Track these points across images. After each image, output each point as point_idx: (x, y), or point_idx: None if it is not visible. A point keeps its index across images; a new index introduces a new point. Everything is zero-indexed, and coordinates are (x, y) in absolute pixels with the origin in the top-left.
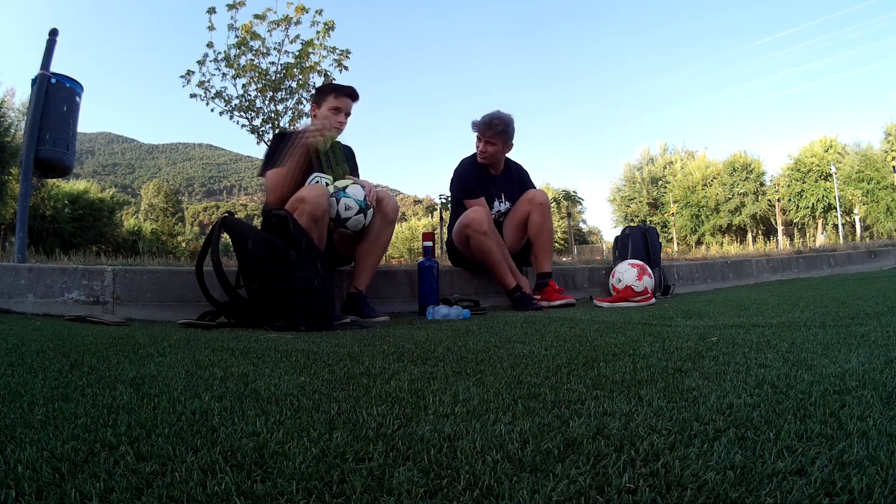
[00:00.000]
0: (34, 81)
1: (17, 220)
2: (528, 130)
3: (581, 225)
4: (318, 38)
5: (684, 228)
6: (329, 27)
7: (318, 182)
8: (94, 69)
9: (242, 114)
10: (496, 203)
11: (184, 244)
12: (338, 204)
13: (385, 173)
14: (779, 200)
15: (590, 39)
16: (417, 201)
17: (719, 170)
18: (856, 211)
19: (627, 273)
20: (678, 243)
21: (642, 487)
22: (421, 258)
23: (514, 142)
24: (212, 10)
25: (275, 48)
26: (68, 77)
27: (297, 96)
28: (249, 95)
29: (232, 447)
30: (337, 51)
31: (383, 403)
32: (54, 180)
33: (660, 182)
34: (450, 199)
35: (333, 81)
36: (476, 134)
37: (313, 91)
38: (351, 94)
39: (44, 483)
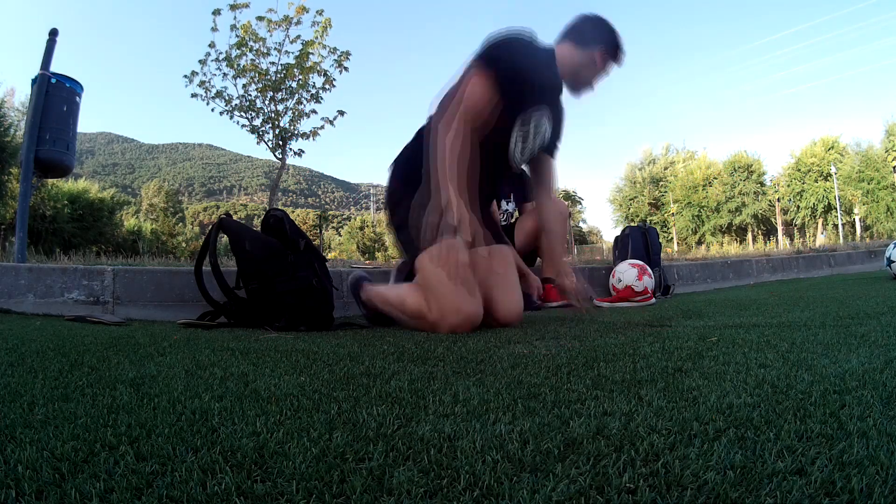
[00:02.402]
0: (34, 81)
1: (17, 220)
2: None
3: (581, 225)
4: (317, 38)
5: (685, 229)
6: (326, 25)
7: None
8: (95, 69)
9: (242, 114)
10: (503, 203)
11: (184, 244)
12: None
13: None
14: (779, 200)
15: None
16: None
17: (720, 170)
18: (856, 211)
19: (627, 273)
20: (678, 243)
21: (642, 487)
22: None
23: None
24: (217, 13)
25: (275, 48)
26: (68, 77)
27: (297, 96)
28: (250, 95)
29: (232, 447)
30: (337, 52)
31: (383, 403)
32: (54, 180)
33: (661, 182)
34: None
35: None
36: None
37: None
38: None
39: (44, 483)
